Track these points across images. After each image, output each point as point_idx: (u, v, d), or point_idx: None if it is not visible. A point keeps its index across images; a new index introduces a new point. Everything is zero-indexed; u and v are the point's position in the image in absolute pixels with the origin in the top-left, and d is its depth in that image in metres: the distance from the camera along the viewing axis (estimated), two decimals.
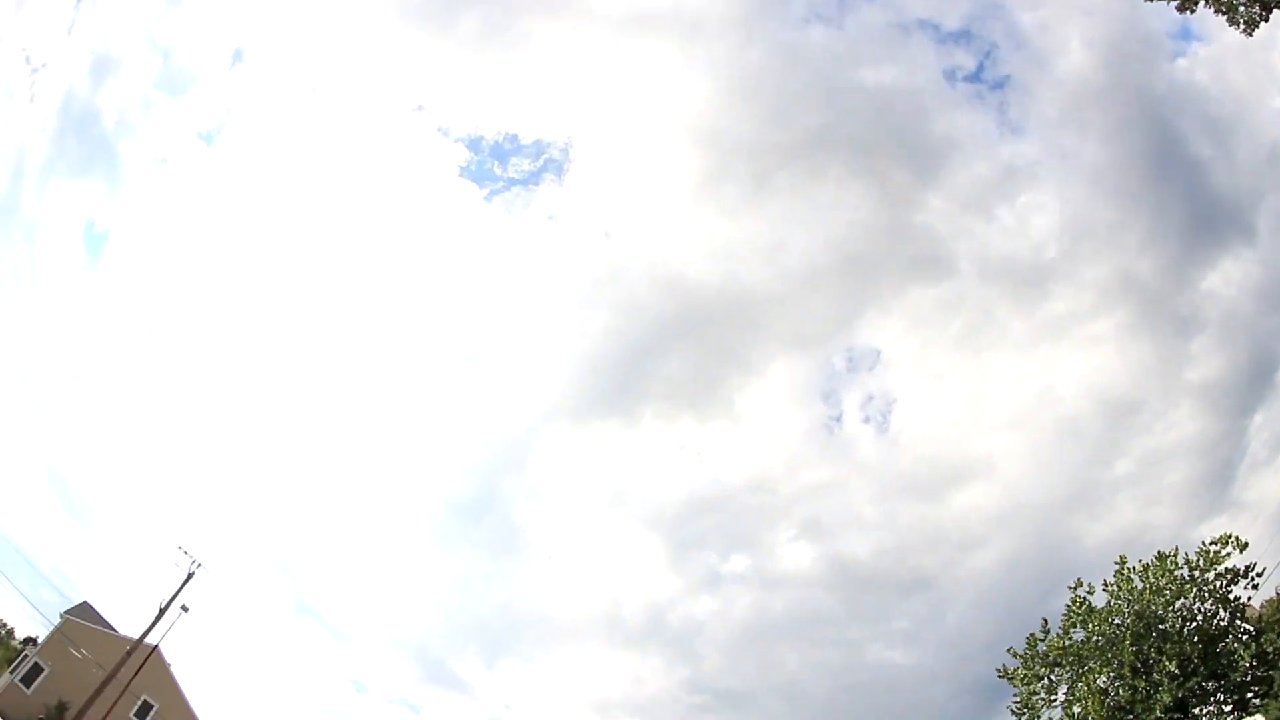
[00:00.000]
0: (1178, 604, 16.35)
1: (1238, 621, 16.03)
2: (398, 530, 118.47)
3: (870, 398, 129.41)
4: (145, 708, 35.40)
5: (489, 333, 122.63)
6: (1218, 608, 16.23)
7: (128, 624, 37.24)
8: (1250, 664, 14.99)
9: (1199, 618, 16.26)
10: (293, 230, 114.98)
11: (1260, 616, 16.66)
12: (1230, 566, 16.26)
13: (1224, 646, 15.47)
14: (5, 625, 66.71)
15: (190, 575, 31.50)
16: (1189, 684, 15.16)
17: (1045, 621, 18.20)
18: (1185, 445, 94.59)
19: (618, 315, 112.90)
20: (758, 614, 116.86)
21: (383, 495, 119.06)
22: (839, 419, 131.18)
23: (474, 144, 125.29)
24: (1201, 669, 15.26)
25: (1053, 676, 17.53)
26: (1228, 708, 15.47)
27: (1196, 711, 15.51)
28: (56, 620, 33.29)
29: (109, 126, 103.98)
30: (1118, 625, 16.80)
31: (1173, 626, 16.16)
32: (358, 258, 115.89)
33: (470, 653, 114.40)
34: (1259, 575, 16.32)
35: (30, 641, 37.75)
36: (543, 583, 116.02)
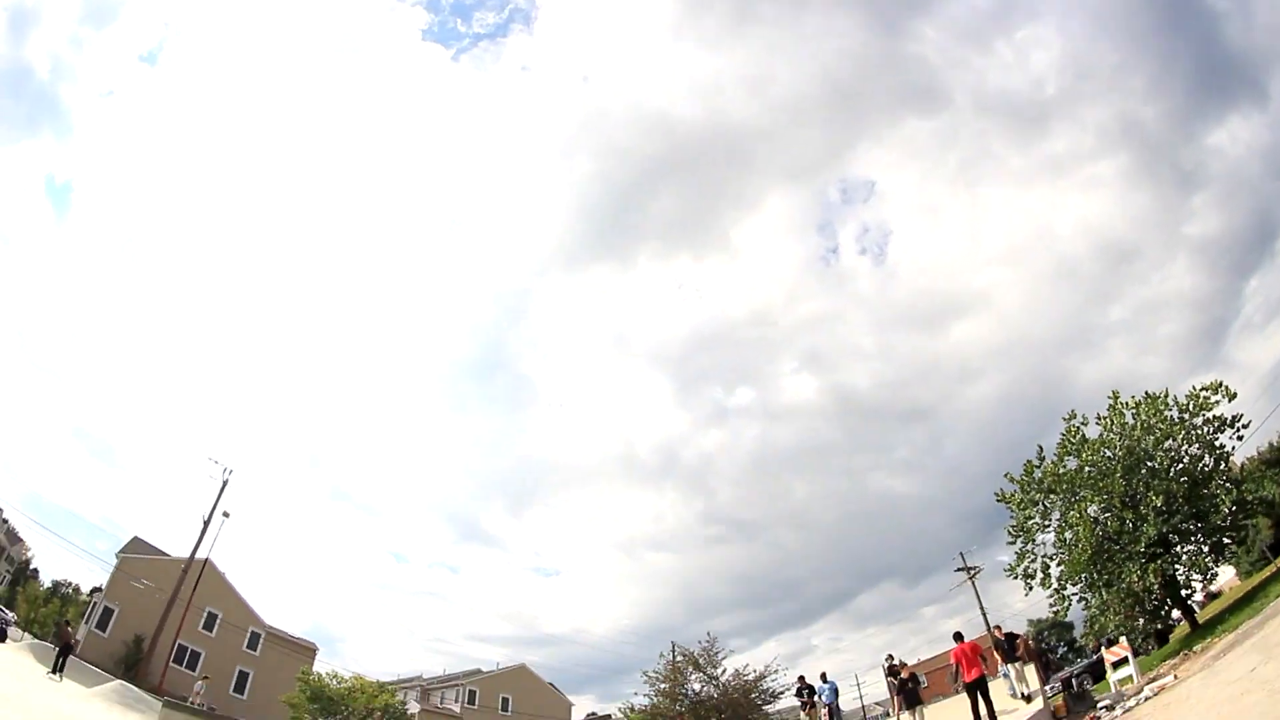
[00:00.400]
0: (1166, 444, 16.59)
1: (1221, 468, 16.27)
2: (413, 401, 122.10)
3: (866, 230, 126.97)
4: (210, 618, 38.34)
5: (474, 194, 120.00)
6: (1204, 453, 16.44)
7: (179, 545, 39.74)
8: (1230, 509, 15.33)
9: (1185, 459, 16.50)
10: (262, 127, 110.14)
11: (1242, 467, 16.95)
12: (1218, 414, 16.34)
13: (1207, 491, 15.78)
14: (70, 584, 71.37)
15: (224, 483, 33.29)
16: (1173, 520, 15.64)
17: (1041, 449, 18.74)
18: (1180, 299, 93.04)
19: (603, 160, 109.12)
20: (764, 445, 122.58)
21: (394, 370, 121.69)
22: (835, 251, 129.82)
23: (432, 4, 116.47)
24: (1185, 508, 15.64)
25: (1047, 503, 18.23)
26: (1205, 548, 16.07)
27: (1177, 550, 16.15)
28: (113, 562, 35.23)
29: (44, 77, 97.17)
30: (1109, 458, 17.23)
31: (1160, 465, 16.51)
32: (330, 143, 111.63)
33: (497, 508, 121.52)
34: (1244, 427, 16.41)
35: (97, 590, 40.31)
36: (557, 431, 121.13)
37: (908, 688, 13.14)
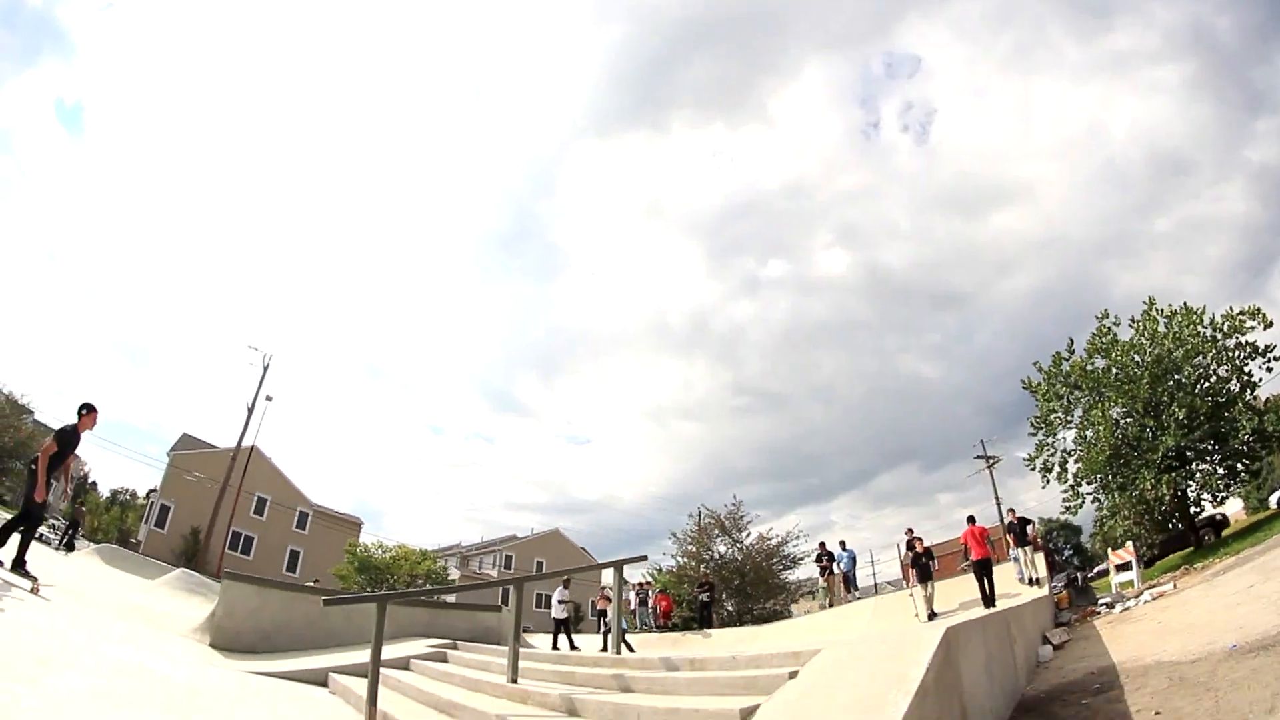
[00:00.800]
0: (1196, 360, 16.21)
1: (1247, 396, 15.87)
2: (444, 276, 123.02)
3: (909, 106, 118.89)
4: (261, 503, 41.15)
5: (501, 63, 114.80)
6: (1232, 376, 16.07)
7: (226, 437, 42.07)
8: (1249, 436, 15.10)
9: (1213, 379, 16.18)
10: (282, 13, 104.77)
11: (1267, 401, 16.40)
12: (1251, 341, 15.86)
13: (1229, 414, 15.48)
14: (128, 489, 75.94)
15: (265, 368, 33.32)
16: (1192, 436, 15.50)
17: (1071, 341, 18.39)
18: (1230, 223, 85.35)
19: (635, 24, 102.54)
20: (795, 319, 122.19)
21: (423, 246, 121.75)
22: (876, 126, 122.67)
23: None
24: (1206, 426, 15.45)
25: (1071, 398, 18.10)
26: (1220, 470, 15.94)
27: (1192, 467, 16.06)
28: (165, 461, 37.39)
29: (36, 2, 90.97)
30: (1137, 363, 16.90)
31: (1187, 379, 16.17)
32: (351, 16, 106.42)
33: (529, 378, 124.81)
34: (1276, 359, 15.87)
35: (153, 491, 42.94)
36: (588, 300, 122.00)
37: (921, 562, 13.65)
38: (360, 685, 5.77)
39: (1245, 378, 15.97)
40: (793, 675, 3.40)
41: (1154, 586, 13.22)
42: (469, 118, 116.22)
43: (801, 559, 28.43)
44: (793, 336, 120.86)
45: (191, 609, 13.24)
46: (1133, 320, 17.65)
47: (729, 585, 27.47)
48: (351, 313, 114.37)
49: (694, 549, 29.84)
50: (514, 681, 4.66)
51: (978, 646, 4.11)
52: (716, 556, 29.64)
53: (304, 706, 5.19)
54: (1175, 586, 12.53)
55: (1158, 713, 3.65)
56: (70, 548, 23.86)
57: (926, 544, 13.97)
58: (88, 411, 6.91)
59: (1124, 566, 15.00)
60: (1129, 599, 12.82)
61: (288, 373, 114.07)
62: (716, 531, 30.16)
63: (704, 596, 19.35)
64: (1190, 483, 16.03)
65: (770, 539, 29.22)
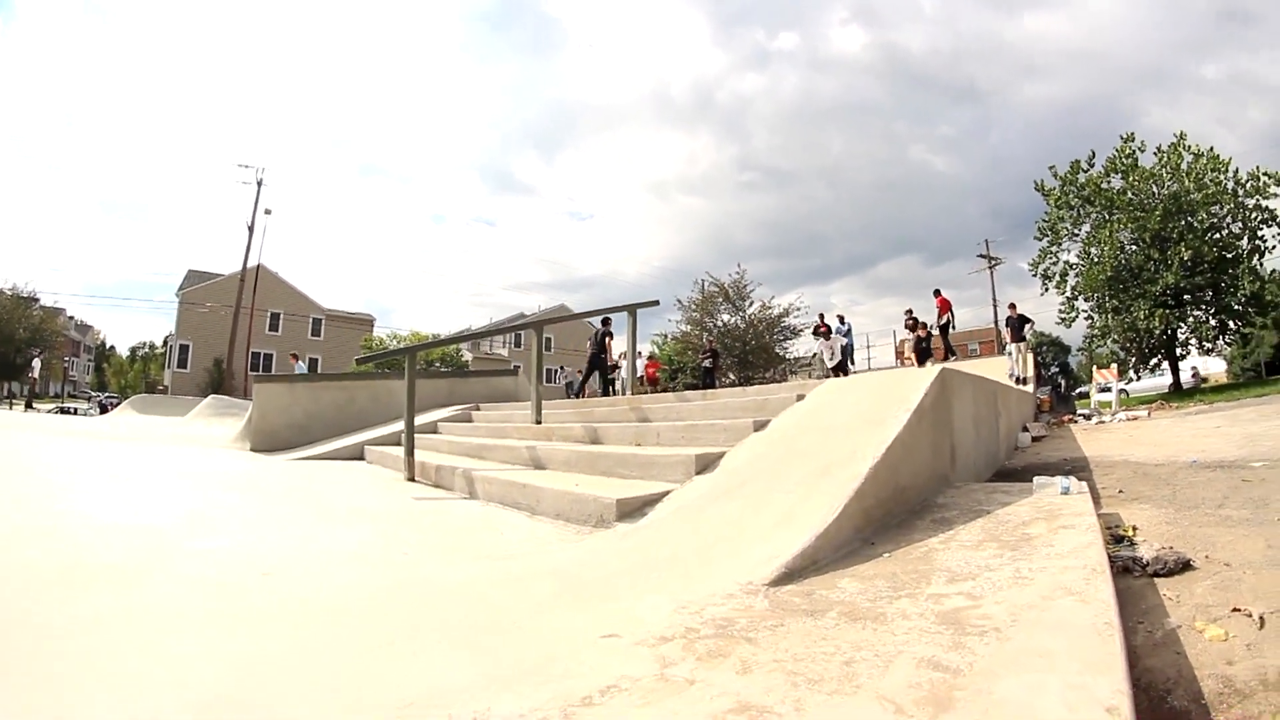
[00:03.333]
0: (1212, 208, 15.96)
1: (1254, 260, 15.80)
2: (432, 61, 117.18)
3: None
4: (274, 318, 41.86)
5: None
6: (1244, 234, 15.89)
7: (233, 263, 42.13)
8: (1246, 297, 15.21)
9: (1224, 231, 16.05)
10: None
11: (1272, 272, 16.14)
12: (1270, 206, 15.56)
13: (1233, 271, 15.51)
14: (145, 343, 76.06)
15: (259, 183, 32.40)
16: (1193, 279, 15.59)
17: (1093, 154, 18.05)
18: None
19: None
20: (805, 96, 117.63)
21: (406, 31, 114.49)
22: None
23: None
24: (1208, 274, 15.53)
25: (1082, 211, 18.03)
26: (1212, 321, 16.11)
27: (1187, 309, 16.24)
28: (175, 302, 37.46)
29: None
30: (1153, 193, 16.65)
31: (1200, 223, 15.99)
32: None
33: (529, 156, 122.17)
34: None
35: (169, 335, 43.36)
36: (588, 73, 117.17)
37: (922, 346, 14.22)
38: (393, 451, 6.27)
39: (1258, 241, 15.89)
40: (800, 398, 3.72)
41: (1129, 410, 13.92)
42: None
43: (801, 330, 29.20)
44: (802, 114, 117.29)
45: (227, 427, 14.02)
46: (1158, 150, 17.06)
47: (731, 353, 27.96)
48: (339, 113, 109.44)
49: (698, 316, 30.57)
50: (538, 422, 5.05)
51: (968, 397, 4.41)
52: (720, 325, 30.37)
53: (348, 474, 5.65)
54: (1149, 415, 13.20)
55: (1121, 490, 4.05)
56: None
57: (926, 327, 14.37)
58: None
59: (1105, 389, 15.68)
60: (1105, 416, 13.54)
61: (282, 185, 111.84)
62: (721, 300, 30.68)
63: (706, 363, 19.71)
64: (1182, 324, 16.36)
65: (772, 309, 29.89)
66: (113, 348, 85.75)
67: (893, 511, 2.63)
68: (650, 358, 26.80)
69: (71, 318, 61.96)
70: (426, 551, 2.61)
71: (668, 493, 2.83)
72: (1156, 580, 2.27)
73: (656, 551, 2.22)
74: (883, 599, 1.65)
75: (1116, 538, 2.73)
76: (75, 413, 33.61)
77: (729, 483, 2.77)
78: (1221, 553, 2.42)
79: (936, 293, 16.69)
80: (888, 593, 1.69)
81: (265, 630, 1.73)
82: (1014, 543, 2.12)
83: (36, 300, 42.09)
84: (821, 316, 20.67)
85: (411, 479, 4.71)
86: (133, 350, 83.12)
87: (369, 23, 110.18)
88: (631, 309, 5.95)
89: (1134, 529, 2.88)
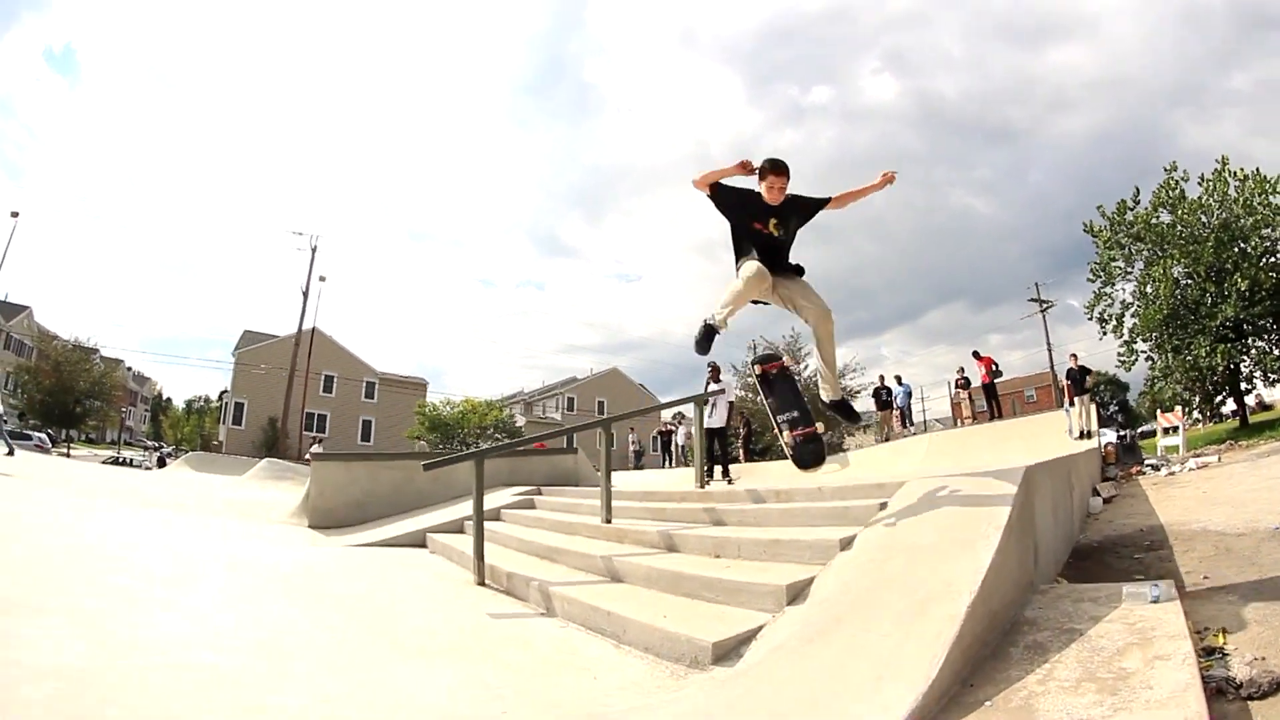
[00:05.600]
0: (1264, 231, 15.50)
1: None
2: (477, 128, 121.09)
3: None
4: (328, 380, 43.06)
5: None
6: None
7: (287, 326, 43.69)
8: None
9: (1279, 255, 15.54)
10: None
11: None
12: None
13: None
14: (201, 397, 79.29)
15: (314, 249, 34.04)
16: (1253, 310, 15.11)
17: (1137, 190, 17.77)
18: None
19: None
20: (841, 148, 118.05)
21: (449, 100, 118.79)
22: None
23: None
24: (1267, 302, 15.03)
25: (1133, 249, 17.71)
26: (1274, 350, 15.50)
27: (1249, 340, 15.65)
28: (231, 361, 38.91)
29: None
30: (1203, 223, 16.28)
31: (1254, 249, 15.56)
32: None
33: (575, 219, 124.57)
34: None
35: (224, 392, 45.09)
36: (626, 137, 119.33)
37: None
38: (456, 540, 6.27)
39: None
40: (882, 506, 3.66)
41: (1198, 455, 13.32)
42: None
43: (858, 392, 28.97)
44: (839, 166, 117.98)
45: (282, 494, 14.28)
46: (1202, 179, 16.75)
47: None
48: (388, 181, 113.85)
49: (753, 382, 30.46)
50: (608, 521, 5.01)
51: (1048, 490, 4.32)
52: None
53: (413, 571, 5.58)
54: (1219, 460, 12.64)
55: (1206, 577, 3.88)
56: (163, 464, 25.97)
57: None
58: None
59: (1171, 430, 15.10)
60: (1174, 464, 12.98)
61: (335, 251, 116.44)
62: None
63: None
64: (1245, 357, 15.78)
65: None
66: (169, 400, 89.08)
67: (986, 641, 2.56)
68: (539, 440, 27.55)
69: (130, 369, 64.45)
70: (521, 704, 2.59)
71: (760, 628, 2.80)
72: (1250, 704, 2.16)
73: (762, 706, 2.19)
74: None
75: (1208, 650, 2.62)
76: (131, 463, 34.89)
77: (822, 619, 2.73)
78: None
79: (976, 355, 17.00)
80: None
81: None
82: (1112, 683, 2.07)
83: (97, 352, 44.22)
84: (881, 378, 20.67)
85: (481, 583, 4.69)
86: (188, 403, 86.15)
87: (416, 91, 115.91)
88: (698, 400, 6.05)
89: (1224, 632, 2.76)
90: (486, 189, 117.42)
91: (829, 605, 2.82)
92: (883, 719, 1.92)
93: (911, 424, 20.20)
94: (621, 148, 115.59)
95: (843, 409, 4.29)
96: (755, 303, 4.12)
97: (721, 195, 4.28)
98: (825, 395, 4.25)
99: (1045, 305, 37.51)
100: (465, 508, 7.43)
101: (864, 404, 27.87)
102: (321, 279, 34.01)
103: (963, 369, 19.50)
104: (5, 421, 16.29)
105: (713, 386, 10.93)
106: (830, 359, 4.14)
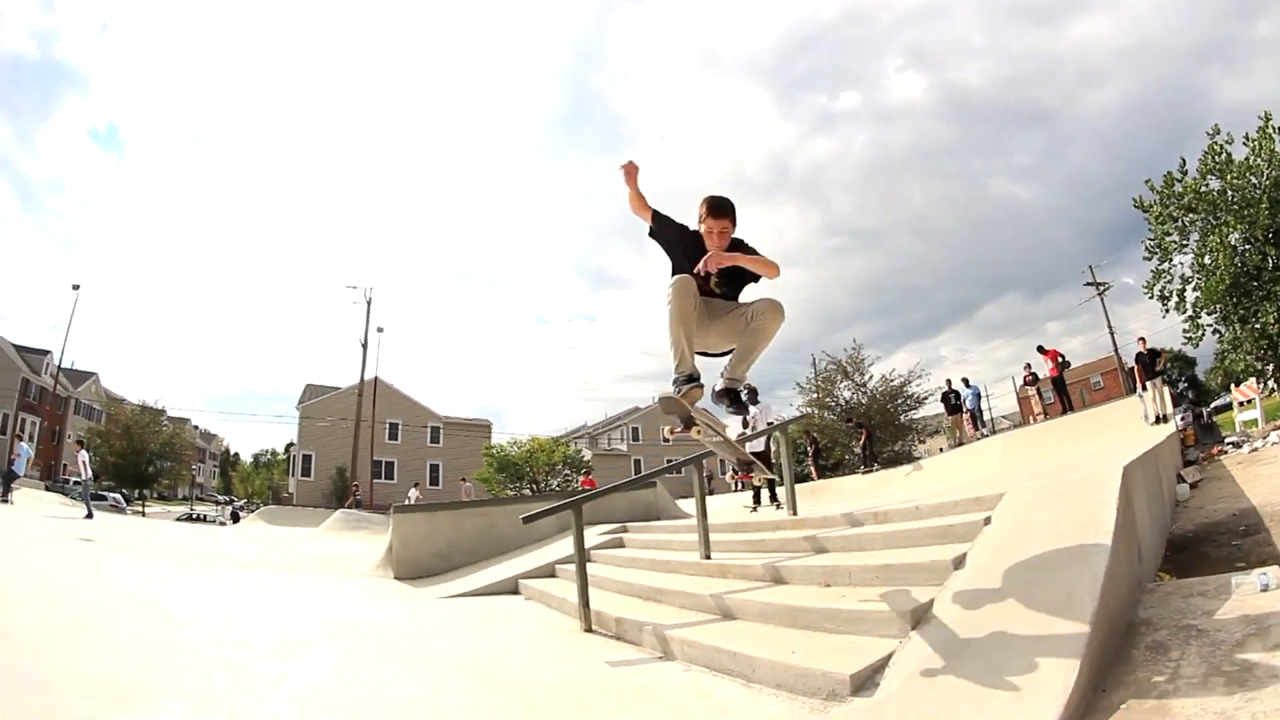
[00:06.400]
0: None
1: None
2: (512, 170, 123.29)
3: None
4: (393, 428, 44.22)
5: None
6: None
7: (348, 377, 45.12)
8: None
9: None
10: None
11: None
12: None
13: None
14: (268, 450, 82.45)
15: (369, 302, 35.60)
16: None
17: (1183, 161, 17.32)
18: None
19: None
20: (876, 150, 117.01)
21: (480, 145, 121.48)
22: None
23: None
24: None
25: (1186, 221, 17.24)
26: None
27: None
28: (296, 415, 40.29)
29: (34, 54, 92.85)
30: (1254, 185, 15.80)
31: None
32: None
33: (620, 250, 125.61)
34: None
35: (290, 445, 46.83)
36: (662, 163, 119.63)
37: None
38: (550, 586, 6.35)
39: None
40: (986, 521, 3.70)
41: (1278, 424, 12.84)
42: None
43: (925, 398, 28.65)
44: (876, 169, 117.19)
45: (360, 544, 14.61)
46: (1247, 138, 16.29)
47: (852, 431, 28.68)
48: (436, 229, 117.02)
49: (818, 396, 30.24)
50: (708, 558, 5.06)
51: (1141, 486, 4.32)
52: (842, 402, 29.94)
53: (516, 620, 5.61)
54: None
55: None
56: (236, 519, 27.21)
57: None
58: None
59: (1247, 404, 14.61)
60: (1255, 439, 12.54)
61: (390, 300, 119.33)
62: (839, 377, 30.35)
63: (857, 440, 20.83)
64: None
65: (893, 380, 29.39)
66: (237, 455, 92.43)
67: (1109, 646, 2.65)
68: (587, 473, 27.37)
69: (196, 427, 67.10)
70: None
71: (890, 655, 2.90)
72: None
73: None
74: None
75: None
76: (205, 519, 36.18)
77: (950, 641, 2.82)
78: None
79: (1040, 349, 16.97)
80: None
81: None
82: (1239, 675, 2.14)
83: (164, 412, 46.25)
84: (948, 382, 20.58)
85: (589, 629, 4.73)
86: (255, 457, 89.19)
87: (453, 139, 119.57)
88: (783, 426, 6.23)
89: None
90: (532, 228, 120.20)
91: (955, 627, 2.91)
92: None
93: (983, 425, 19.96)
94: (659, 174, 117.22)
95: (730, 395, 3.85)
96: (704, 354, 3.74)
97: (659, 228, 3.82)
98: (722, 380, 3.79)
99: (1102, 288, 36.81)
100: (551, 551, 7.63)
101: (933, 409, 27.63)
102: (379, 330, 35.71)
103: (1029, 365, 19.24)
104: (89, 486, 17.21)
105: (752, 410, 11.02)
106: (758, 348, 3.66)
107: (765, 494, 12.61)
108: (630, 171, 3.81)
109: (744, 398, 11.32)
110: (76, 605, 5.00)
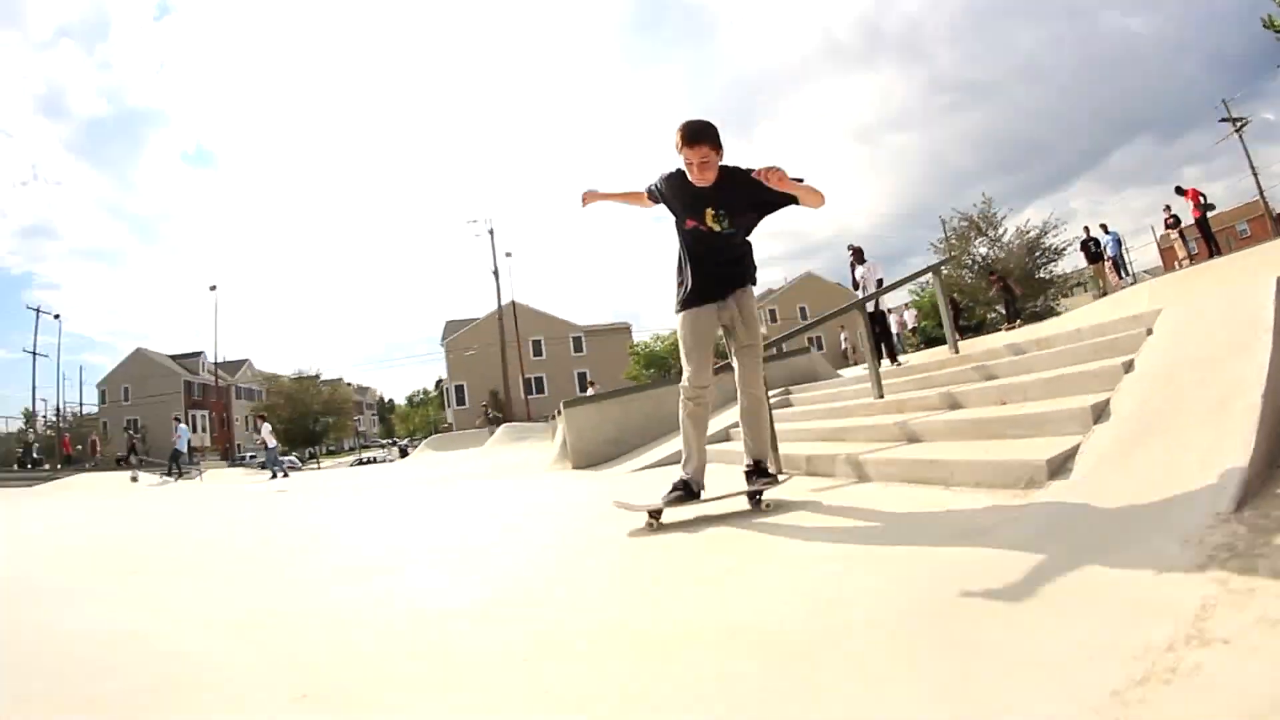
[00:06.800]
0: None
1: None
2: (599, 72, 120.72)
3: None
4: (537, 345, 47.08)
5: None
6: None
7: (485, 304, 47.72)
8: None
9: None
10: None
11: None
12: None
13: None
14: (420, 390, 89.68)
15: (491, 232, 38.94)
16: None
17: None
18: None
19: None
20: None
21: (560, 51, 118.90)
22: None
23: None
24: None
25: None
26: None
27: None
28: (442, 351, 43.88)
29: (109, 110, 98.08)
30: None
31: None
32: None
33: (726, 137, 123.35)
34: None
35: (440, 380, 51.92)
36: (750, 46, 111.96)
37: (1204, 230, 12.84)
38: (725, 448, 6.89)
39: None
40: (1149, 333, 3.89)
41: None
42: None
43: (1064, 249, 27.01)
44: (976, 15, 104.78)
45: (532, 451, 15.86)
46: None
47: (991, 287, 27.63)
48: (548, 147, 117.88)
49: (955, 255, 29.20)
50: (881, 397, 5.50)
51: None
52: (979, 259, 28.77)
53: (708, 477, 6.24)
54: None
55: None
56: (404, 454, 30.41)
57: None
58: None
59: None
60: None
61: (511, 227, 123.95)
62: (973, 233, 29.07)
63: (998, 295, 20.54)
64: None
65: (1029, 231, 27.78)
66: (391, 400, 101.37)
67: (1276, 433, 2.82)
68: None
69: (349, 384, 74.33)
70: (906, 531, 3.17)
71: (1077, 445, 3.24)
72: None
73: (1113, 500, 2.65)
74: None
75: None
76: (376, 460, 40.71)
77: (1132, 429, 3.11)
78: None
79: (1179, 190, 15.43)
80: None
81: None
82: None
83: (318, 376, 52.25)
84: (1086, 229, 19.31)
85: (780, 471, 4.95)
86: (408, 399, 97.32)
87: (542, 52, 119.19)
88: (936, 269, 6.35)
89: None
90: (639, 126, 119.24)
91: (1134, 418, 3.21)
92: (1223, 490, 2.30)
93: (1128, 273, 18.58)
94: (750, 58, 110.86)
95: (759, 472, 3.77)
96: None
97: (659, 195, 3.54)
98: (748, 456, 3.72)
99: (1240, 124, 32.03)
100: (723, 419, 8.18)
101: (1071, 262, 25.58)
102: (508, 254, 38.14)
103: (1168, 206, 17.44)
104: (276, 452, 20.18)
105: (859, 270, 10.83)
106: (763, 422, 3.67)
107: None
108: (587, 198, 3.80)
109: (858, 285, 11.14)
110: (316, 531, 6.36)
